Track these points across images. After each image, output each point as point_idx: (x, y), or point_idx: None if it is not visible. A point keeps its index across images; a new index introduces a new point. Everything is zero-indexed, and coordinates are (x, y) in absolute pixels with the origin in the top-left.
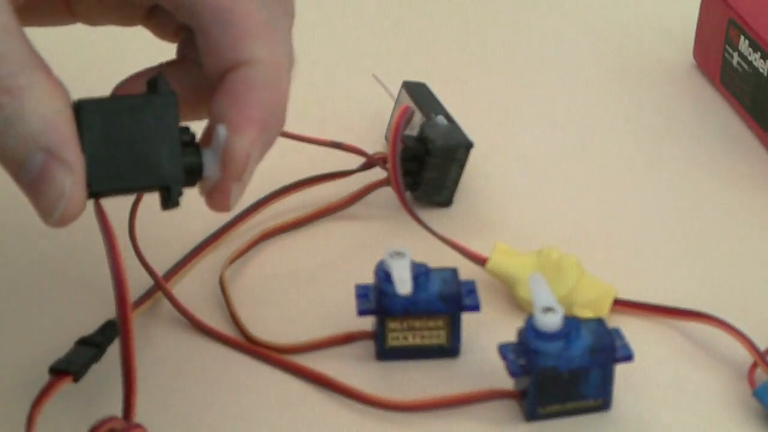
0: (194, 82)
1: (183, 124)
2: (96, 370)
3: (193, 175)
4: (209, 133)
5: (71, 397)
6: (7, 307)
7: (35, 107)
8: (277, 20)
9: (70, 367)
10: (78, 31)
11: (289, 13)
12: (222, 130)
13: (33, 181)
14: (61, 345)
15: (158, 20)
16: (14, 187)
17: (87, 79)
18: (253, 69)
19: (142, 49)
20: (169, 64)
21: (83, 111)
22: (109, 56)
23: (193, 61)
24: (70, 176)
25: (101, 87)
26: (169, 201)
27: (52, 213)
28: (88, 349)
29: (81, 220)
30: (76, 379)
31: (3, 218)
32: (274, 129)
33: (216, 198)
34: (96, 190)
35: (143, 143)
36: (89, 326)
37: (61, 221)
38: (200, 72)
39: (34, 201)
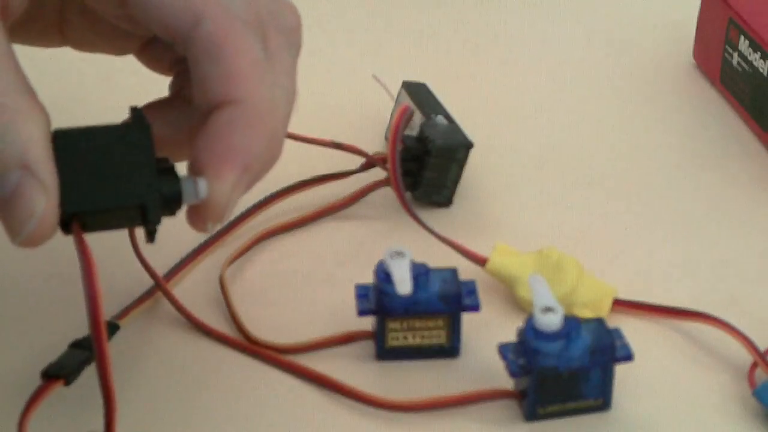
0: (185, 122)
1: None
2: (89, 373)
3: (172, 203)
4: (191, 167)
5: (64, 401)
6: (0, 311)
7: (18, 127)
8: (275, 55)
9: (62, 370)
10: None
11: (295, 45)
12: (202, 183)
13: (5, 197)
14: (54, 348)
15: (152, 53)
16: None
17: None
18: (239, 109)
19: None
20: (161, 102)
21: (59, 139)
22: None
23: (184, 98)
24: (44, 196)
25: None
26: (148, 221)
27: (20, 232)
28: (81, 352)
29: None
30: (67, 383)
31: None
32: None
33: (194, 220)
34: (69, 210)
35: (119, 170)
36: (83, 329)
37: (29, 241)
38: (191, 111)
39: (3, 218)
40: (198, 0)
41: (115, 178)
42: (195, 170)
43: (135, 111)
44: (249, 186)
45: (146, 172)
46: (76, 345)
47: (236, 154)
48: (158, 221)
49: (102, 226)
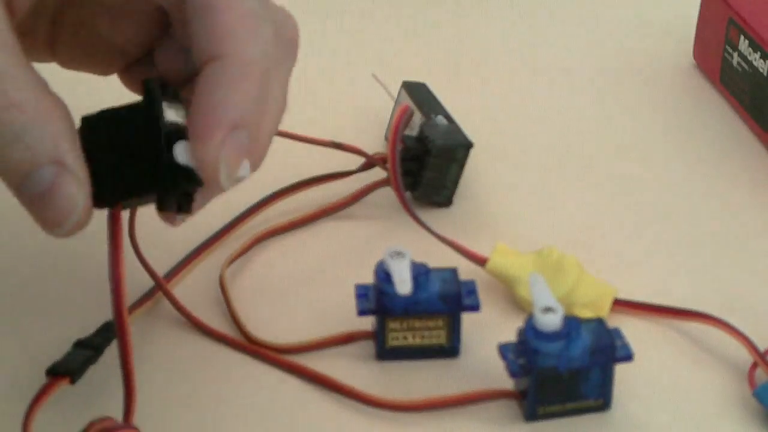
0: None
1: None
2: (94, 372)
3: (186, 181)
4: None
5: (69, 399)
6: (6, 309)
7: (45, 121)
8: (263, 12)
9: (67, 369)
10: None
11: (291, 58)
12: (179, 146)
13: (41, 194)
14: (60, 347)
15: (136, 74)
16: (7, 189)
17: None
18: (224, 64)
19: None
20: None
21: (83, 128)
22: None
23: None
24: (82, 188)
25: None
26: (163, 205)
27: (62, 224)
28: (86, 350)
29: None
30: (72, 381)
31: (1, 219)
32: (254, 126)
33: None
34: (100, 206)
35: (136, 155)
36: (88, 328)
37: (71, 232)
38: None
39: (39, 212)
40: None
41: (132, 165)
42: (192, 125)
43: (146, 83)
44: (251, 150)
45: (156, 155)
46: (81, 344)
47: (221, 111)
48: (172, 207)
49: (130, 205)
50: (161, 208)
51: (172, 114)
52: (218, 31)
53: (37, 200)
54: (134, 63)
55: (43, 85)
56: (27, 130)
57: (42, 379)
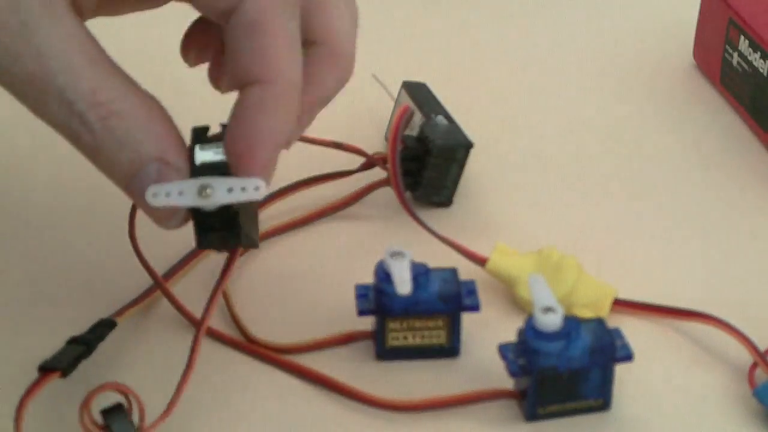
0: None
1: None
2: (85, 367)
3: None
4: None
5: (62, 395)
6: (0, 308)
7: (143, 123)
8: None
9: (59, 364)
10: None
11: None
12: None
13: None
14: (54, 346)
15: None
16: (4, 186)
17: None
18: (269, 90)
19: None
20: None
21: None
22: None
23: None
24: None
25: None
26: (201, 245)
27: (170, 218)
28: (78, 347)
29: (75, 220)
30: (64, 375)
31: None
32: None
33: None
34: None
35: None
36: (81, 326)
37: (180, 225)
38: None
39: (149, 211)
40: None
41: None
42: (231, 150)
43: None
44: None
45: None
46: (74, 341)
47: (270, 138)
48: (214, 245)
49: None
50: (200, 247)
51: (210, 154)
52: (266, 56)
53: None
54: None
55: (134, 86)
56: (129, 135)
57: (34, 376)
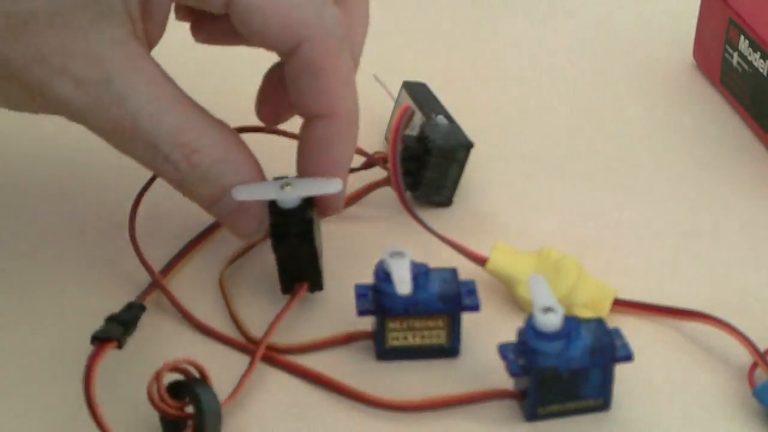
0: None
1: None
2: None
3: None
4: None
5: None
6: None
7: (223, 156)
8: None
9: (113, 335)
10: None
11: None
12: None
13: (230, 213)
14: (54, 346)
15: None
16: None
17: None
18: (334, 123)
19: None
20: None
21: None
22: None
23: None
24: (263, 204)
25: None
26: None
27: (250, 233)
28: (119, 325)
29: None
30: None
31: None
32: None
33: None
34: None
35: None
36: (81, 325)
37: (259, 237)
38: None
39: (231, 227)
40: (298, 23)
41: None
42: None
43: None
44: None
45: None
46: (113, 318)
47: (340, 165)
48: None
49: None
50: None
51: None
52: (328, 93)
53: (227, 218)
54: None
55: (211, 119)
56: (210, 171)
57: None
